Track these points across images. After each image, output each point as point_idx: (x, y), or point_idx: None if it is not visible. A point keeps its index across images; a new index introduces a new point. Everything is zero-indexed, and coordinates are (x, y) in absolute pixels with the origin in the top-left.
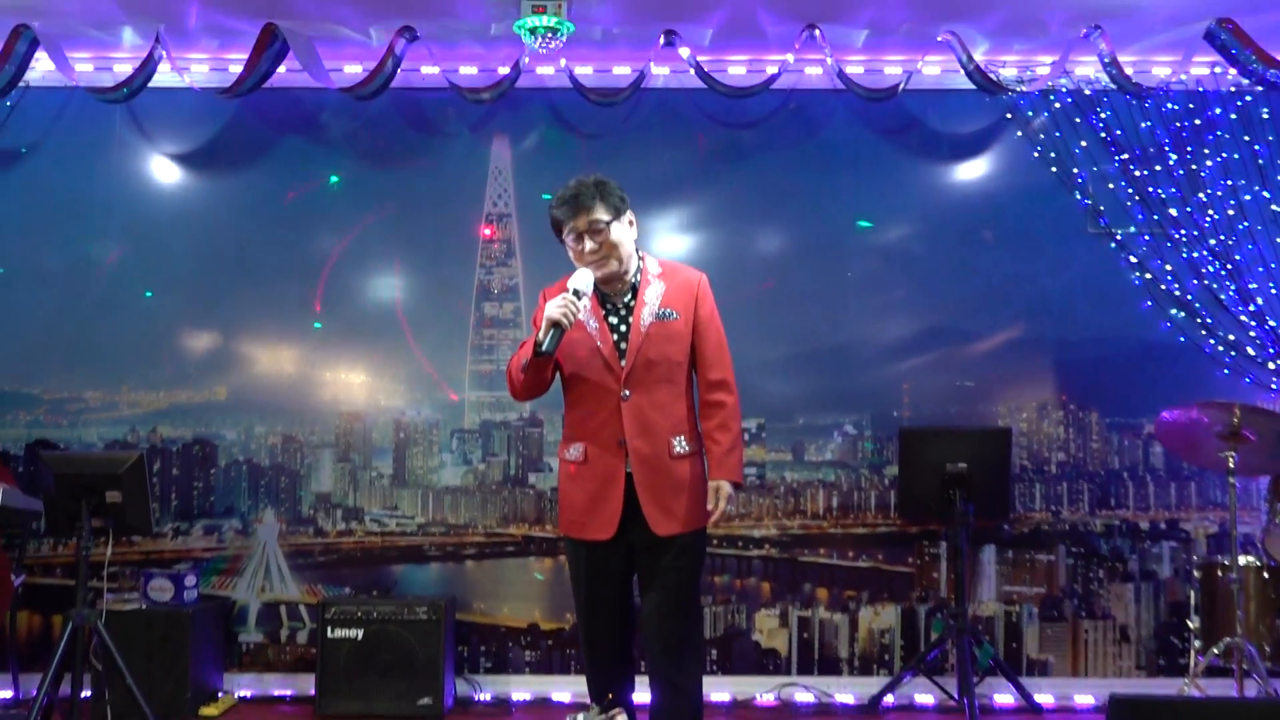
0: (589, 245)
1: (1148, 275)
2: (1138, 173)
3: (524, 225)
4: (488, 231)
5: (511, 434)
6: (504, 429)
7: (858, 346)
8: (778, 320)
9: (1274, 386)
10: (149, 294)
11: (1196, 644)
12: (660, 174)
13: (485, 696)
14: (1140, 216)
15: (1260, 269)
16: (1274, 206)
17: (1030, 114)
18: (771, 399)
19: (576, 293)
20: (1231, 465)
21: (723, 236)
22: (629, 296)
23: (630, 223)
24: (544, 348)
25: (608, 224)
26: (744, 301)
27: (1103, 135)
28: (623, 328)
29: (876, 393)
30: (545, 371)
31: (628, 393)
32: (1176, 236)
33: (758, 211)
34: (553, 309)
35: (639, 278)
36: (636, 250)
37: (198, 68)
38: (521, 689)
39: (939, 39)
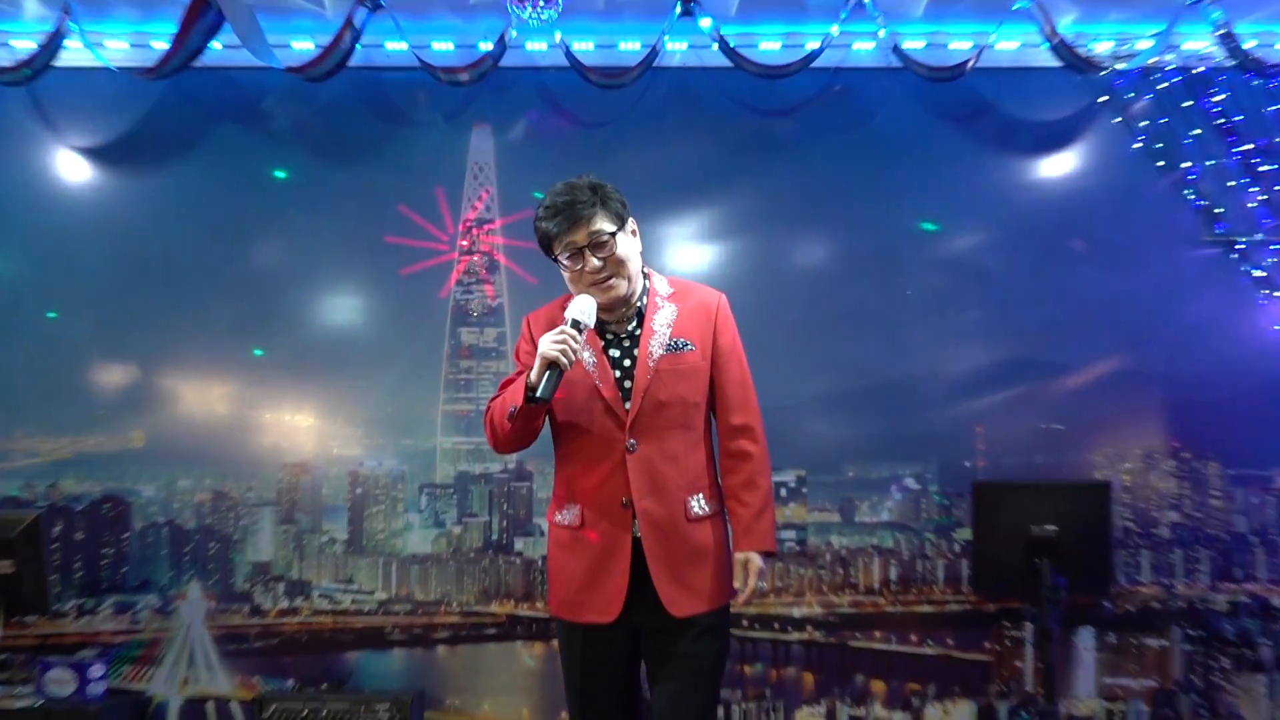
0: (593, 263)
1: (1277, 293)
2: (1263, 167)
3: (510, 233)
4: (465, 241)
5: (494, 489)
6: (484, 483)
7: (921, 381)
8: (822, 349)
9: None
10: (52, 315)
11: None
12: (677, 171)
13: None
14: (1266, 220)
15: None
16: None
17: (1130, 97)
18: (814, 446)
19: (576, 324)
20: None
21: (753, 247)
22: (634, 324)
23: (634, 232)
24: (539, 393)
25: (612, 235)
26: (780, 326)
27: (1219, 122)
28: (626, 363)
29: (944, 438)
30: (537, 420)
31: (634, 442)
32: None
33: (797, 216)
34: (548, 346)
35: (645, 300)
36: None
37: (115, 43)
38: None
39: (1016, 7)
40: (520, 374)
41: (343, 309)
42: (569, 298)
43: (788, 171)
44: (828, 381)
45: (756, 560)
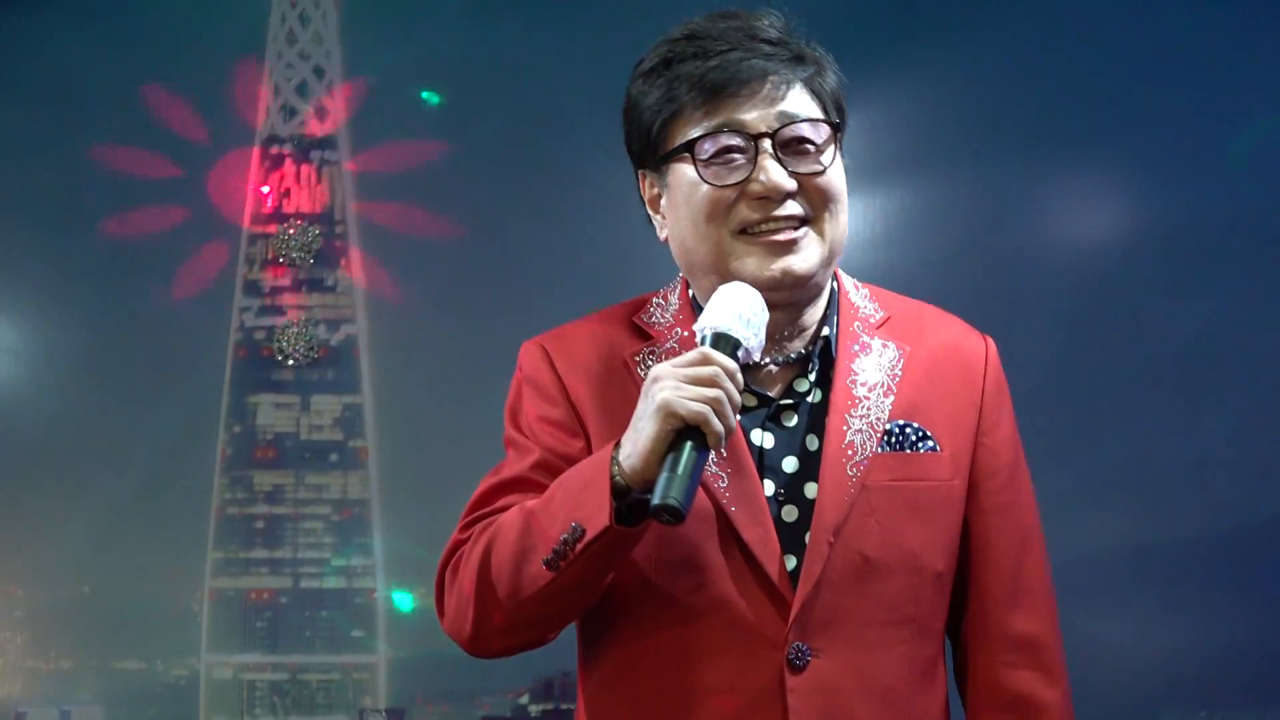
0: (776, 176)
1: None
2: None
3: (376, 173)
4: (266, 188)
5: None
6: None
7: None
8: (1100, 440)
9: None
10: None
11: None
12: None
13: None
14: None
15: None
16: None
17: None
18: (1086, 675)
19: (729, 344)
20: None
21: (937, 202)
22: (810, 374)
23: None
24: (665, 497)
25: (833, 131)
26: (1029, 391)
27: None
28: (790, 464)
29: None
30: (607, 571)
31: (805, 648)
32: None
33: (1030, 137)
34: (680, 392)
35: (835, 326)
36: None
37: None
38: None
39: None
40: (538, 462)
41: None
42: (611, 314)
43: (1020, 46)
44: (1117, 520)
45: None
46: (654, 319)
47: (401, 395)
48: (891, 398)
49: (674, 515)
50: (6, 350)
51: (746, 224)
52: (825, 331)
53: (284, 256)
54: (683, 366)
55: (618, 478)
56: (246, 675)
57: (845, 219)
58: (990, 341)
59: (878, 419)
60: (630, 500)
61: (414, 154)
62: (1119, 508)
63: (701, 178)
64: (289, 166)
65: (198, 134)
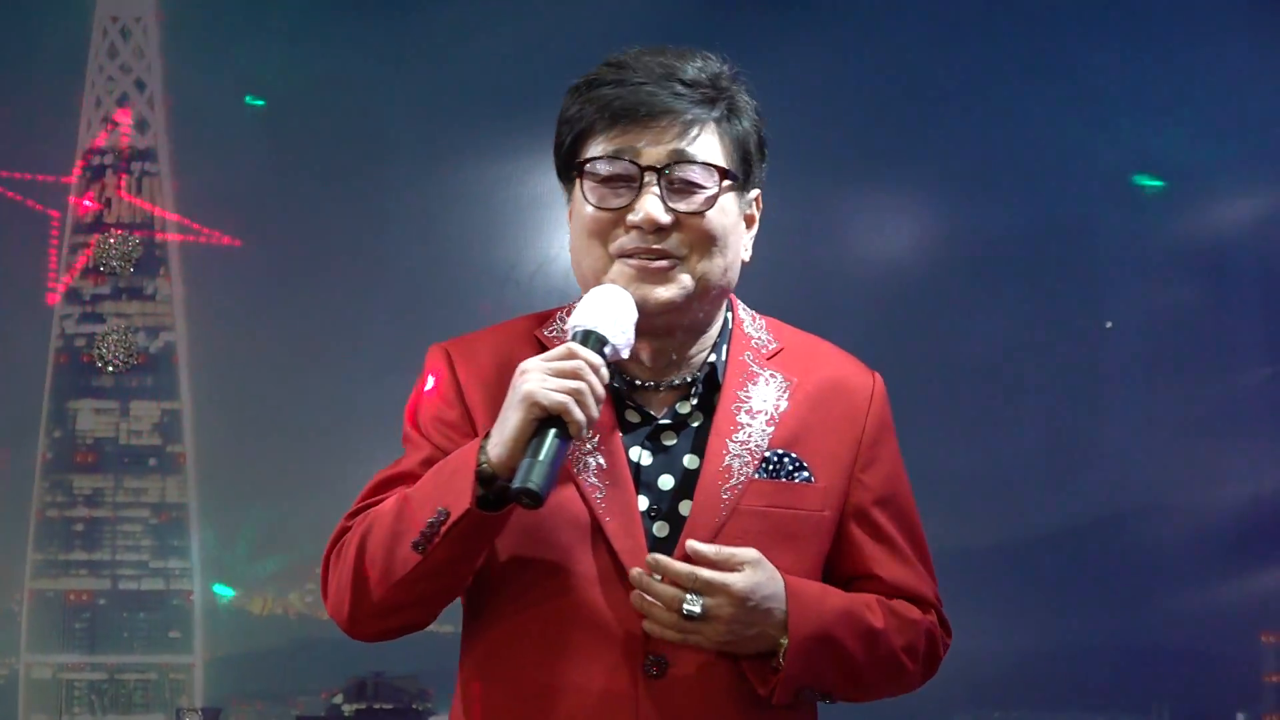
0: (649, 209)
1: None
2: None
3: (194, 182)
4: (88, 198)
5: None
6: None
7: (1142, 525)
8: (922, 453)
9: None
10: None
11: None
12: (600, 45)
13: None
14: None
15: None
16: None
17: None
18: (925, 688)
19: (597, 341)
20: None
21: (766, 225)
22: (692, 398)
23: (755, 207)
24: (525, 480)
25: (720, 179)
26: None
27: None
28: (667, 481)
29: (1192, 653)
30: (478, 554)
31: (664, 658)
32: None
33: (861, 158)
34: (543, 382)
35: (724, 352)
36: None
37: None
38: None
39: None
40: (427, 459)
41: None
42: (516, 326)
43: (836, 60)
44: (935, 529)
45: (773, 580)
46: (553, 332)
47: (219, 401)
48: (773, 427)
49: (533, 499)
50: None
51: (623, 249)
52: (712, 359)
53: (104, 265)
54: (549, 360)
55: (485, 465)
56: (65, 675)
57: (725, 260)
58: (879, 378)
59: (757, 445)
60: (496, 487)
61: (233, 166)
62: (929, 519)
63: (586, 197)
64: (110, 177)
65: (19, 144)
